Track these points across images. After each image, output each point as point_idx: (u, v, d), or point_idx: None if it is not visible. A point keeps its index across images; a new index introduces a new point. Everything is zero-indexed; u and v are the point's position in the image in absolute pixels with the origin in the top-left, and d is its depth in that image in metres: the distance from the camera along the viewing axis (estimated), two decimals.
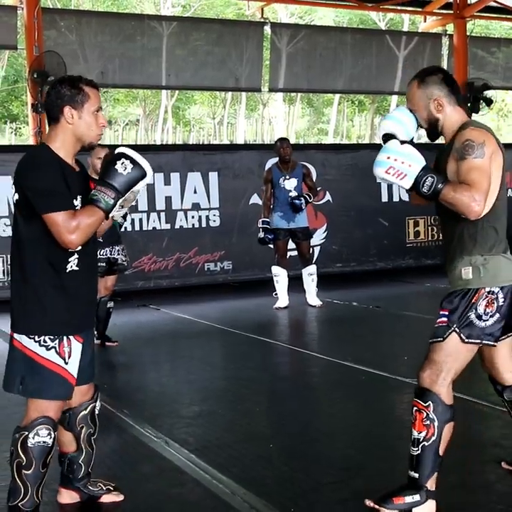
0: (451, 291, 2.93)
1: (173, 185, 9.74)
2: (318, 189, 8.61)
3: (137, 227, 9.55)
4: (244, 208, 10.10)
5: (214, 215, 9.90)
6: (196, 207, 9.82)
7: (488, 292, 2.87)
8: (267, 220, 8.01)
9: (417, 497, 2.85)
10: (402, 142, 2.84)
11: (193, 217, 9.80)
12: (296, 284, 8.32)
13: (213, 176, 9.96)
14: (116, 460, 3.71)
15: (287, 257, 8.36)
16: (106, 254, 6.29)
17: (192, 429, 4.12)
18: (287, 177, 7.97)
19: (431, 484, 2.87)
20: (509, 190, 12.14)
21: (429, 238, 11.39)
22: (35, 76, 9.32)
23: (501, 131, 26.65)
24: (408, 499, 2.86)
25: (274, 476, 3.41)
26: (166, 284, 9.71)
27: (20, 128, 28.29)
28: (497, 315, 2.88)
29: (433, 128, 2.98)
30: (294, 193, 7.94)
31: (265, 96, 26.48)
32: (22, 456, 2.75)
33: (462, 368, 2.94)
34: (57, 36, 10.22)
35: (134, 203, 3.04)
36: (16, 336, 2.82)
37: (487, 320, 2.87)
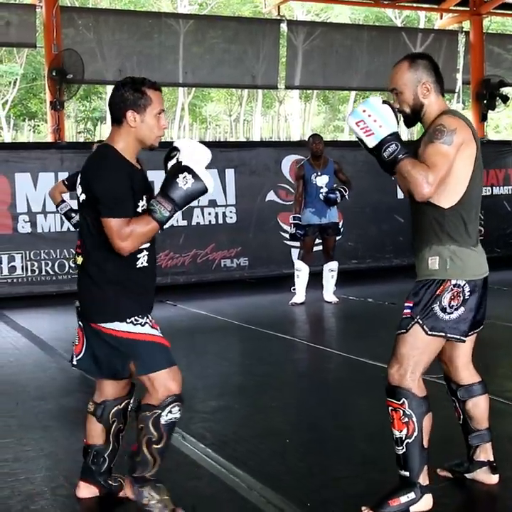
0: (417, 280, 2.91)
1: None
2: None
3: None
4: (261, 205, 10.14)
5: (230, 212, 9.94)
6: (213, 203, 9.87)
7: (454, 285, 2.83)
8: (299, 216, 8.06)
9: (411, 495, 2.83)
10: (384, 102, 2.79)
11: (209, 213, 9.85)
12: (314, 280, 8.35)
13: (230, 173, 10.00)
14: None
15: (312, 252, 8.39)
16: None
17: (208, 424, 4.16)
18: (319, 173, 8.01)
19: (423, 479, 2.85)
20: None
21: None
22: (53, 74, 9.41)
23: None
24: (403, 499, 2.83)
25: (290, 471, 3.44)
26: (182, 280, 9.77)
27: (38, 125, 28.48)
28: (462, 309, 2.84)
29: (416, 113, 2.91)
30: (325, 190, 7.98)
31: (281, 93, 26.48)
32: (153, 432, 2.81)
33: (431, 360, 2.91)
34: (75, 34, 10.29)
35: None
36: (105, 326, 2.84)
37: (451, 313, 2.83)
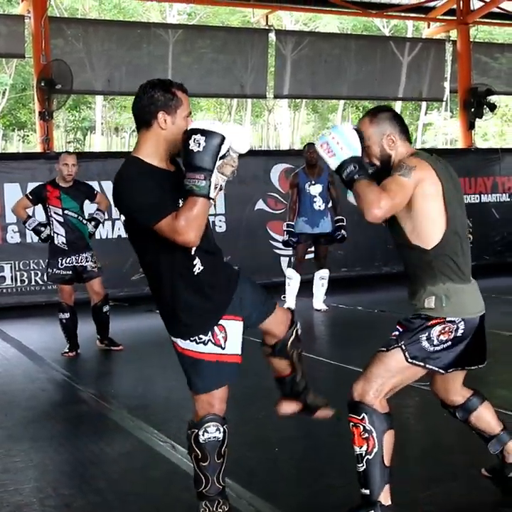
0: (414, 314, 2.90)
1: None
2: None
3: None
4: (250, 214, 10.15)
5: (220, 221, 9.95)
6: None
7: (449, 321, 2.83)
8: (292, 223, 8.07)
9: None
10: (354, 129, 2.87)
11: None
12: (305, 288, 8.36)
13: None
14: (123, 464, 3.74)
15: (304, 261, 8.40)
16: (71, 262, 6.33)
17: None
18: (313, 182, 8.02)
19: (385, 498, 2.77)
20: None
21: None
22: (42, 84, 9.40)
23: (505, 136, 26.65)
24: None
25: (280, 480, 3.44)
26: None
27: (27, 135, 28.43)
28: (449, 343, 2.82)
29: (385, 164, 2.94)
30: (318, 199, 7.98)
31: (270, 102, 26.54)
32: (196, 450, 2.84)
33: (400, 386, 2.89)
34: (64, 45, 10.30)
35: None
36: (173, 339, 2.94)
37: (437, 346, 2.81)
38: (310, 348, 6.69)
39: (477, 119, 12.37)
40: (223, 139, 2.58)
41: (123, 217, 2.72)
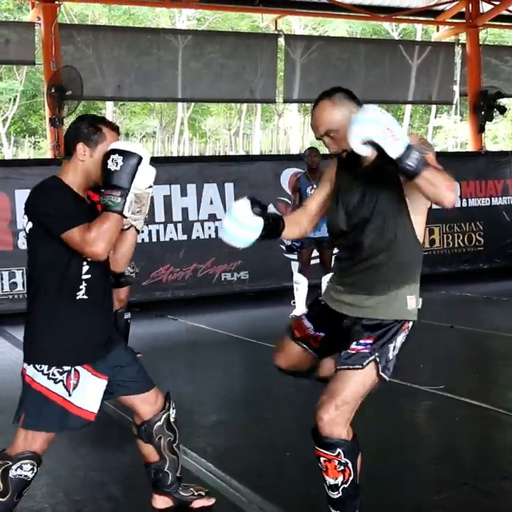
0: (380, 320, 2.67)
1: (190, 196, 9.83)
2: None
3: (154, 238, 9.64)
4: None
5: None
6: (213, 218, 9.90)
7: (409, 328, 2.72)
8: None
9: None
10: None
11: (209, 227, 9.87)
12: (314, 292, 8.35)
13: (229, 187, 10.04)
14: (135, 469, 3.75)
15: (310, 265, 8.40)
16: None
17: (210, 439, 4.16)
18: (314, 186, 8.03)
19: None
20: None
21: (445, 246, 11.40)
22: (52, 91, 9.45)
23: None
24: None
25: (291, 485, 3.44)
26: (183, 295, 9.78)
27: (38, 142, 28.57)
28: (398, 350, 2.71)
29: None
30: None
31: (280, 107, 26.58)
32: (0, 483, 2.72)
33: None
34: (74, 51, 10.36)
35: (147, 208, 2.91)
36: (24, 365, 2.84)
37: (395, 355, 2.69)
38: None
39: (487, 122, 12.34)
40: (140, 159, 2.67)
41: (29, 226, 2.75)
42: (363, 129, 2.36)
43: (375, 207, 2.61)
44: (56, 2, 9.89)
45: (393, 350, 2.67)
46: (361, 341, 2.64)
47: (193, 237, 9.77)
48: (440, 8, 12.60)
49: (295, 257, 8.68)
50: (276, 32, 11.87)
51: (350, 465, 2.63)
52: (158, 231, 9.66)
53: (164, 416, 3.04)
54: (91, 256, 2.67)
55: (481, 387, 5.17)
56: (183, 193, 9.77)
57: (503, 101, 12.21)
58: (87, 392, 2.78)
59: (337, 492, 2.66)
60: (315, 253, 8.41)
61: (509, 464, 3.53)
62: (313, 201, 2.94)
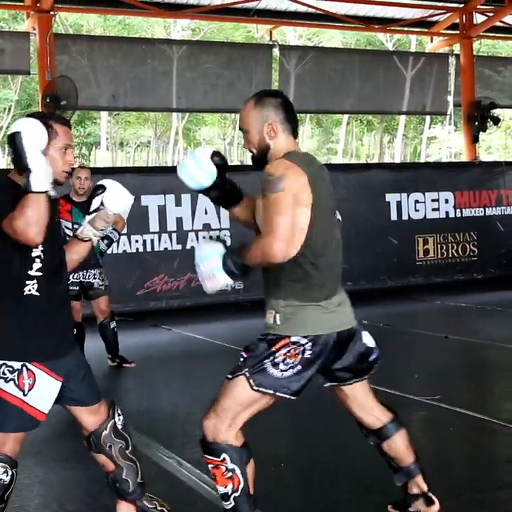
0: (262, 334, 2.72)
1: (184, 206, 9.82)
2: None
3: (149, 248, 9.63)
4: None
5: (225, 236, 9.96)
6: (207, 227, 9.89)
7: (293, 342, 2.62)
8: None
9: None
10: (215, 154, 2.80)
11: (204, 237, 9.87)
12: None
13: None
14: None
15: None
16: (78, 278, 6.30)
17: None
18: None
19: None
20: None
21: (439, 256, 11.41)
22: (47, 100, 9.45)
23: (509, 149, 26.67)
24: None
25: (287, 495, 3.43)
26: (177, 304, 9.76)
27: None
28: (299, 367, 2.62)
29: (262, 154, 2.72)
30: None
31: None
32: None
33: (253, 414, 2.71)
34: (69, 61, 10.37)
35: (109, 226, 2.95)
36: None
37: (285, 371, 2.61)
38: None
39: (481, 133, 12.39)
40: (19, 133, 2.54)
41: None
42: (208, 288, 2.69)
43: None
44: (51, 12, 9.90)
45: (274, 367, 2.63)
46: (241, 353, 2.73)
47: (188, 246, 9.76)
48: (434, 19, 12.67)
49: None
50: (270, 42, 11.92)
51: (238, 472, 2.65)
52: (152, 241, 9.65)
53: (109, 424, 2.99)
54: (26, 241, 2.55)
55: (476, 397, 5.17)
56: (178, 202, 9.77)
57: (496, 111, 12.26)
58: (41, 392, 2.75)
59: (229, 502, 2.66)
60: None
61: (505, 474, 3.53)
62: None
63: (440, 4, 12.30)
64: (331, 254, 2.70)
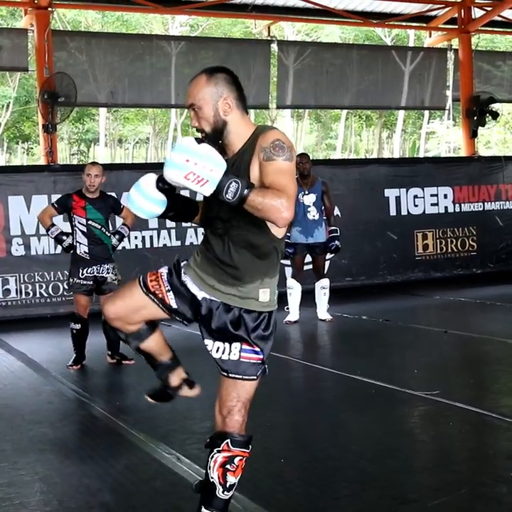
0: (254, 315, 2.69)
1: None
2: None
3: (148, 245, 9.63)
4: None
5: None
6: None
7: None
8: (288, 234, 8.03)
9: None
10: (198, 141, 2.40)
11: (203, 234, 9.86)
12: (307, 298, 8.36)
13: None
14: (128, 476, 3.74)
15: (303, 270, 8.41)
16: (92, 273, 6.32)
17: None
18: (306, 192, 8.01)
19: None
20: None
21: (438, 251, 11.42)
22: (45, 97, 9.45)
23: (508, 143, 26.66)
24: None
25: (287, 492, 3.43)
26: None
27: (32, 148, 28.56)
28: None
29: (217, 132, 2.60)
30: (312, 209, 7.97)
31: (273, 112, 26.60)
32: None
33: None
34: (67, 57, 10.36)
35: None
36: None
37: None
38: (315, 358, 6.69)
39: (480, 127, 12.39)
40: None
41: None
42: (170, 174, 2.36)
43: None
44: (49, 9, 9.89)
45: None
46: (252, 348, 2.80)
47: (187, 242, 9.77)
48: (433, 14, 12.66)
49: (289, 262, 8.68)
50: (269, 38, 11.90)
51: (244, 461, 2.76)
52: (151, 237, 9.65)
53: None
54: None
55: (476, 392, 5.18)
56: None
57: (495, 106, 12.27)
58: None
59: (231, 492, 2.75)
60: (308, 258, 8.41)
61: (504, 470, 3.53)
62: None
63: None
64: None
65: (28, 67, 10.69)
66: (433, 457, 3.88)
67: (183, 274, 2.80)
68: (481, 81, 12.81)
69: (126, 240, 7.28)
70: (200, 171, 2.30)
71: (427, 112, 27.22)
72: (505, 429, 4.19)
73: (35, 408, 5.15)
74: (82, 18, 24.75)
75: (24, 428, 4.66)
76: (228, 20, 22.91)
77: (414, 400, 4.81)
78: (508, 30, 14.14)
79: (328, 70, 12.05)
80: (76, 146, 30.14)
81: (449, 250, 11.55)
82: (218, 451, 2.73)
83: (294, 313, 8.24)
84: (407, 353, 6.59)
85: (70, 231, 6.41)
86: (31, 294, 9.12)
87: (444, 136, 27.32)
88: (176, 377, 3.10)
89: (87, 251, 6.33)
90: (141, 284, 2.80)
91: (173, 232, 9.73)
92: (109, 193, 6.74)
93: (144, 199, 2.67)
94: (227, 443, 2.71)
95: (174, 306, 2.79)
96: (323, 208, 8.07)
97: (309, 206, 8.00)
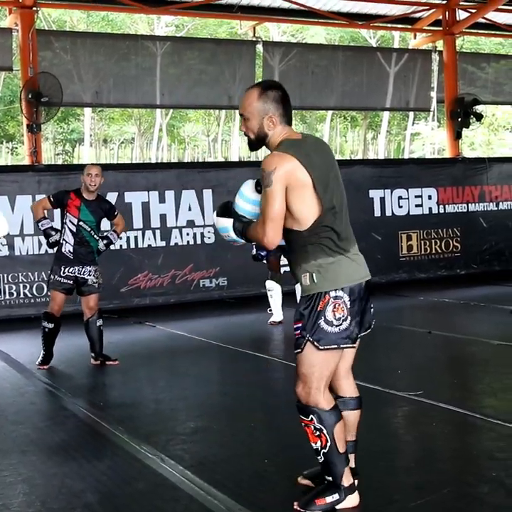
0: (301, 298, 3.08)
1: (168, 202, 9.80)
2: None
3: (132, 245, 9.60)
4: None
5: (208, 232, 9.95)
6: (191, 224, 9.88)
7: (334, 297, 2.97)
8: None
9: (336, 496, 3.06)
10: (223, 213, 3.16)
11: (187, 234, 9.85)
12: (290, 299, 8.35)
13: (207, 193, 10.03)
14: (111, 477, 3.72)
15: (281, 272, 8.40)
16: (74, 272, 6.31)
17: (187, 446, 4.14)
18: None
19: (347, 480, 3.06)
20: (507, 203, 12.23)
21: (422, 252, 11.46)
22: (29, 97, 9.39)
23: (492, 145, 26.80)
24: (329, 499, 3.06)
25: (270, 492, 3.42)
26: (161, 301, 9.74)
27: (16, 148, 28.38)
28: (349, 318, 2.99)
29: (259, 141, 3.09)
30: None
31: None
32: None
33: (333, 371, 3.07)
34: (52, 57, 10.31)
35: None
36: None
37: (340, 324, 2.98)
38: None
39: (464, 129, 12.45)
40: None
41: None
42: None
43: None
44: (34, 8, 9.84)
45: (327, 324, 2.99)
46: (294, 326, 3.09)
47: (172, 243, 9.75)
48: (417, 15, 12.71)
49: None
50: (254, 39, 11.90)
51: (325, 431, 3.00)
52: (136, 237, 9.62)
53: None
54: None
55: (459, 392, 5.20)
56: (162, 199, 9.75)
57: (479, 108, 12.32)
58: None
59: (320, 457, 3.06)
60: (284, 260, 8.40)
61: (487, 469, 3.55)
62: None
63: (423, 1, 12.34)
64: (344, 214, 3.10)
65: (12, 66, 10.62)
66: (416, 457, 3.90)
67: None
68: (465, 83, 12.87)
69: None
70: (229, 239, 3.22)
71: (411, 114, 27.34)
72: (488, 429, 4.21)
73: (19, 409, 5.12)
74: (67, 17, 24.65)
75: (7, 429, 4.64)
76: (214, 20, 22.88)
77: (398, 400, 4.83)
78: (492, 32, 14.23)
79: (313, 71, 12.06)
80: (61, 146, 30.00)
81: (433, 251, 11.60)
82: None
83: (277, 314, 8.24)
84: (391, 354, 6.61)
85: (60, 228, 6.40)
86: (15, 295, 9.07)
87: (428, 138, 27.44)
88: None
89: (71, 250, 6.31)
90: None
91: (157, 232, 9.71)
92: (106, 198, 6.78)
93: (245, 202, 3.13)
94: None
95: None
96: None
97: None
